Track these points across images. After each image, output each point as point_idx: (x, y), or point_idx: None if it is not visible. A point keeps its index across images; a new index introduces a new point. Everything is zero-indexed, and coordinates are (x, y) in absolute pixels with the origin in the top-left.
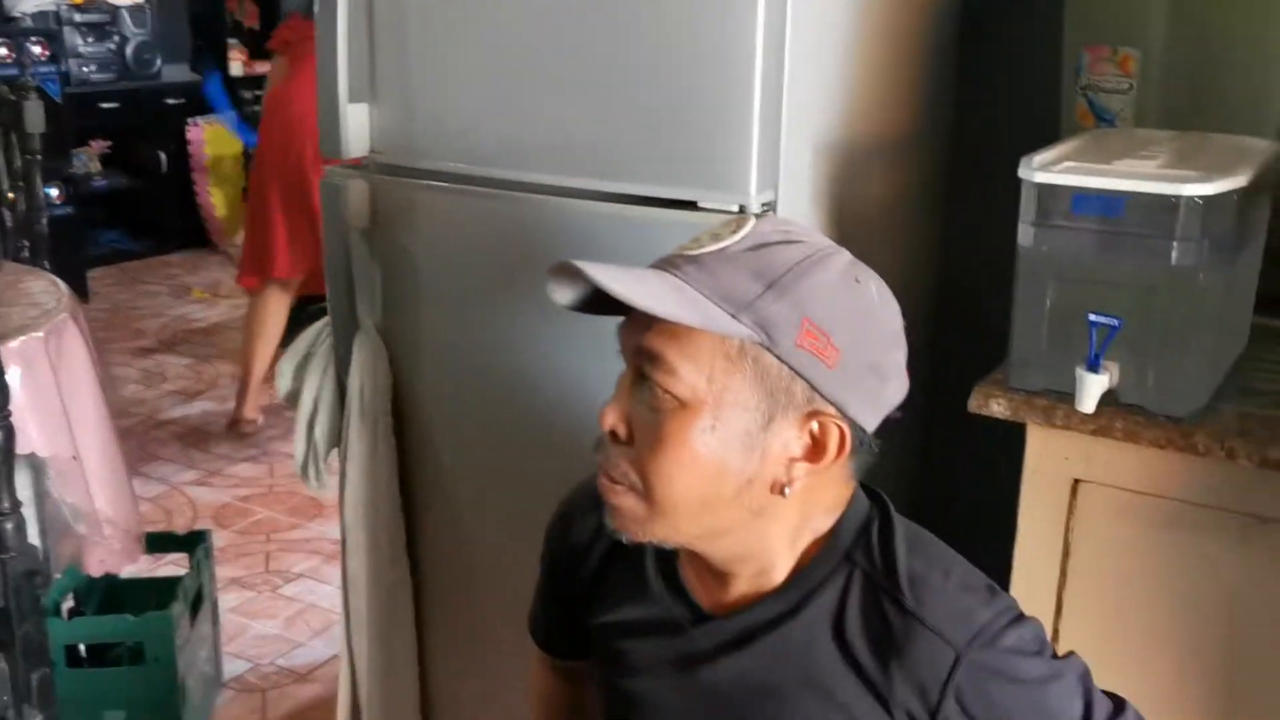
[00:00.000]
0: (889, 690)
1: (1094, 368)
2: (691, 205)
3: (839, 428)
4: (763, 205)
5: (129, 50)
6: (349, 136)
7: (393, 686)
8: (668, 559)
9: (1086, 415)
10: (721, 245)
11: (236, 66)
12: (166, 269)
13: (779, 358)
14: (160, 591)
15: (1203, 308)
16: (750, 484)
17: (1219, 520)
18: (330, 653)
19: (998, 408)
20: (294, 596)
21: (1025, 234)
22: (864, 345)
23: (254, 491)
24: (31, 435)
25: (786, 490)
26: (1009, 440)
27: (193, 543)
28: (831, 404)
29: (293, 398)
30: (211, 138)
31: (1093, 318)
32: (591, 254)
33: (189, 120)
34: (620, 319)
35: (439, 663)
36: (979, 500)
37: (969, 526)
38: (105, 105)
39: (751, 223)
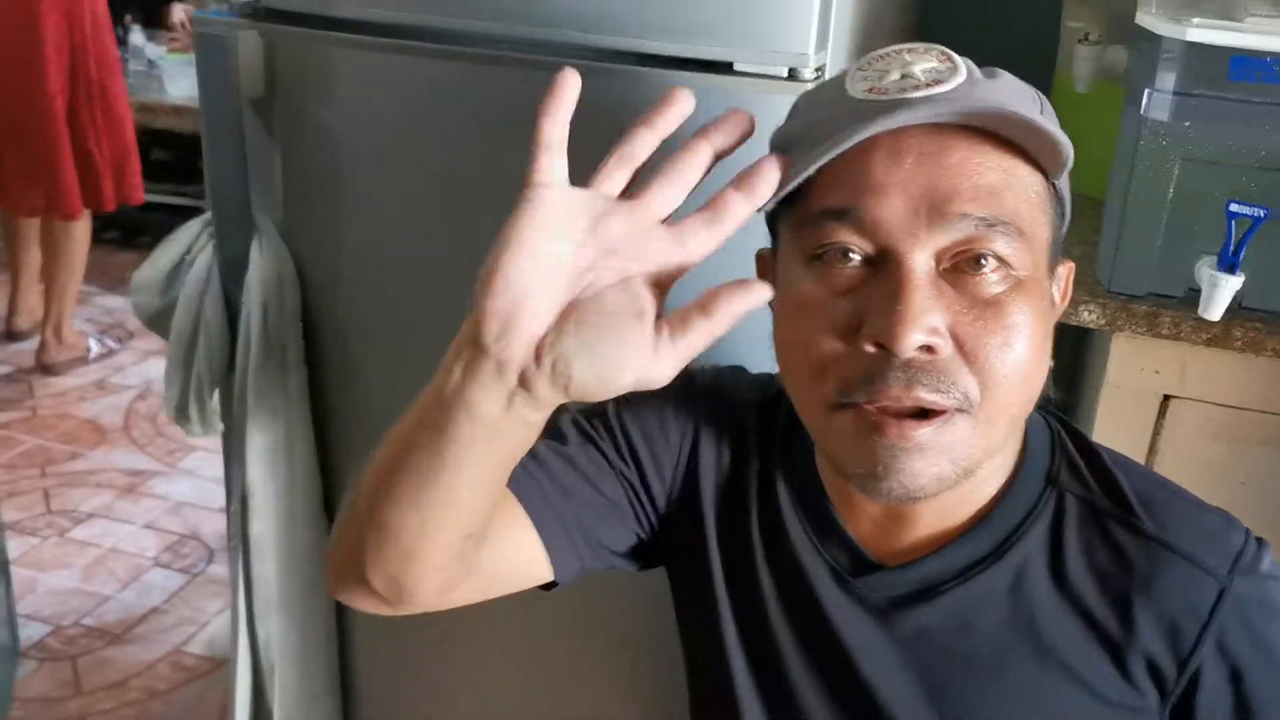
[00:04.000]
0: (1128, 636)
1: (1232, 268)
2: (725, 68)
3: (1070, 266)
4: (817, 69)
5: None
6: None
7: (309, 676)
8: (814, 496)
9: (1200, 324)
10: (963, 74)
11: None
12: None
13: (1059, 193)
14: None
15: None
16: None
17: None
18: (145, 605)
19: (1089, 316)
20: (88, 540)
21: (1158, 105)
22: None
23: (14, 416)
24: None
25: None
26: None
27: None
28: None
29: (159, 320)
30: None
31: (1233, 207)
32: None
33: None
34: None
35: (361, 647)
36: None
37: None
38: None
39: (937, 48)
